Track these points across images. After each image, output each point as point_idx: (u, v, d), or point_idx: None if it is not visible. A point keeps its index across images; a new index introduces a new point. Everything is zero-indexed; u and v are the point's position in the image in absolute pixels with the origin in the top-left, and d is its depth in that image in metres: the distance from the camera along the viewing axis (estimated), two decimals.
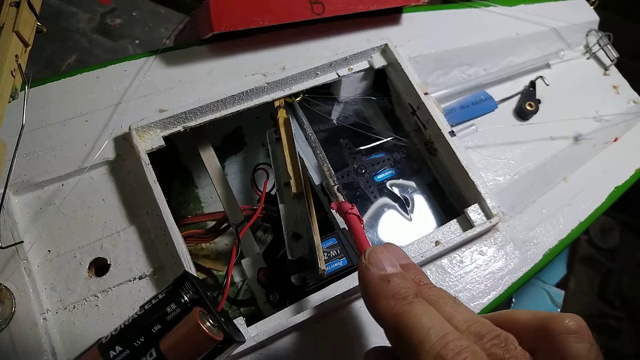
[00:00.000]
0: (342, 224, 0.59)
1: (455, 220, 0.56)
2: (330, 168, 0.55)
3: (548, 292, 0.87)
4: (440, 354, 0.28)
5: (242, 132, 0.76)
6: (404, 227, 0.62)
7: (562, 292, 0.87)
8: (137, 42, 0.94)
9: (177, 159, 0.74)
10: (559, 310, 0.87)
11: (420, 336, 0.30)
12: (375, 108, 0.69)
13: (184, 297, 0.39)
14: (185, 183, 0.75)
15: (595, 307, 1.50)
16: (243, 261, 0.57)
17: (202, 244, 0.75)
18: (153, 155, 0.53)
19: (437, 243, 0.54)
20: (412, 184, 0.64)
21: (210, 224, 0.74)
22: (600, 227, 1.57)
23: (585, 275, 1.57)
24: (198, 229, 0.75)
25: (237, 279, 0.75)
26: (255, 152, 0.78)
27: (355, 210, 0.46)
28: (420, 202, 0.64)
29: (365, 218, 0.62)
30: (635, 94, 0.76)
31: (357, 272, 0.52)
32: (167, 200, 0.65)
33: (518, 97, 0.71)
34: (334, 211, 0.51)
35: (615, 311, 1.49)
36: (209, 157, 0.65)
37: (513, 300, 0.87)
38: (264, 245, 0.73)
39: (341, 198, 0.50)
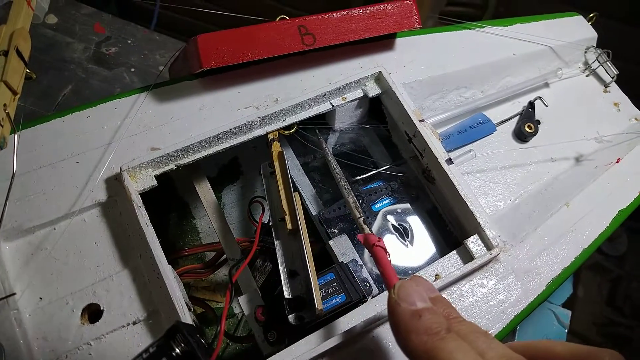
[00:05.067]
0: (340, 256, 0.58)
1: (454, 251, 0.55)
2: (356, 200, 0.54)
3: (554, 313, 0.85)
4: None
5: (239, 162, 0.75)
6: (405, 256, 0.61)
7: (569, 313, 0.86)
8: (132, 70, 0.94)
9: (173, 191, 0.73)
10: (566, 330, 0.86)
11: None
12: (372, 135, 0.68)
13: (175, 350, 0.38)
14: (183, 214, 0.74)
15: (605, 314, 1.48)
16: (240, 298, 0.56)
17: None
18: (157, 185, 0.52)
19: (437, 277, 0.53)
20: (411, 212, 0.63)
21: (209, 254, 0.73)
22: None
23: (594, 282, 1.55)
24: (197, 259, 0.75)
25: (237, 309, 0.74)
26: (253, 181, 0.77)
27: (383, 243, 0.46)
28: (419, 230, 0.63)
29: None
30: (637, 110, 0.74)
31: (354, 306, 0.51)
32: (164, 233, 0.64)
33: (517, 118, 0.69)
34: (361, 242, 0.49)
35: (626, 319, 1.47)
36: (205, 190, 0.64)
37: None
38: (263, 274, 0.72)
39: (367, 230, 0.50)
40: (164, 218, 0.74)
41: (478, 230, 0.54)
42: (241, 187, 0.76)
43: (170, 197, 0.74)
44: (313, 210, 0.63)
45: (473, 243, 0.54)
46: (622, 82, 0.76)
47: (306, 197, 0.64)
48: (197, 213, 0.75)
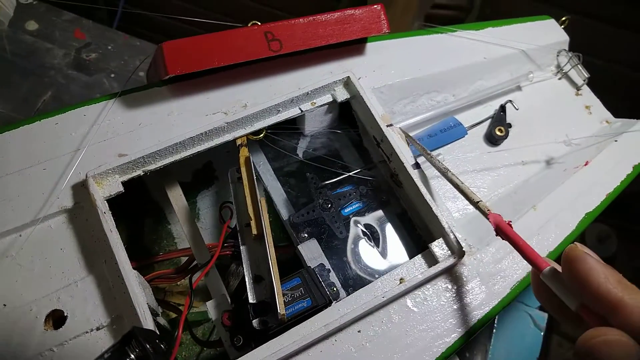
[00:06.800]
0: (309, 261, 0.59)
1: (420, 255, 0.55)
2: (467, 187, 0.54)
3: (531, 316, 0.86)
4: None
5: (213, 167, 0.76)
6: (375, 259, 0.61)
7: (545, 315, 0.86)
8: (112, 75, 0.94)
9: (148, 196, 0.74)
10: (542, 333, 0.86)
11: None
12: (344, 139, 0.69)
13: (130, 356, 0.39)
14: (157, 219, 0.74)
15: None
16: (208, 303, 0.56)
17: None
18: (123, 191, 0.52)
19: (401, 281, 0.53)
20: (381, 216, 0.63)
21: (185, 259, 0.74)
22: (597, 235, 1.56)
23: None
24: (172, 264, 0.75)
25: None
26: (227, 186, 0.76)
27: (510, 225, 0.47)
28: (390, 234, 0.63)
29: (348, 254, 0.61)
30: (608, 113, 0.75)
31: (320, 311, 0.51)
32: (139, 238, 0.64)
33: (488, 122, 0.70)
34: None
35: None
36: (176, 195, 0.64)
37: (495, 325, 0.85)
38: (236, 279, 0.72)
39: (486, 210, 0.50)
40: (139, 223, 0.74)
41: (442, 233, 0.55)
42: (216, 192, 0.76)
43: (146, 202, 0.75)
44: (284, 215, 0.64)
45: (437, 247, 0.54)
46: (596, 85, 0.77)
47: (277, 202, 0.65)
48: (171, 218, 0.75)
